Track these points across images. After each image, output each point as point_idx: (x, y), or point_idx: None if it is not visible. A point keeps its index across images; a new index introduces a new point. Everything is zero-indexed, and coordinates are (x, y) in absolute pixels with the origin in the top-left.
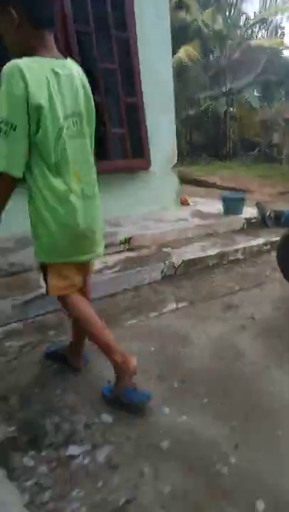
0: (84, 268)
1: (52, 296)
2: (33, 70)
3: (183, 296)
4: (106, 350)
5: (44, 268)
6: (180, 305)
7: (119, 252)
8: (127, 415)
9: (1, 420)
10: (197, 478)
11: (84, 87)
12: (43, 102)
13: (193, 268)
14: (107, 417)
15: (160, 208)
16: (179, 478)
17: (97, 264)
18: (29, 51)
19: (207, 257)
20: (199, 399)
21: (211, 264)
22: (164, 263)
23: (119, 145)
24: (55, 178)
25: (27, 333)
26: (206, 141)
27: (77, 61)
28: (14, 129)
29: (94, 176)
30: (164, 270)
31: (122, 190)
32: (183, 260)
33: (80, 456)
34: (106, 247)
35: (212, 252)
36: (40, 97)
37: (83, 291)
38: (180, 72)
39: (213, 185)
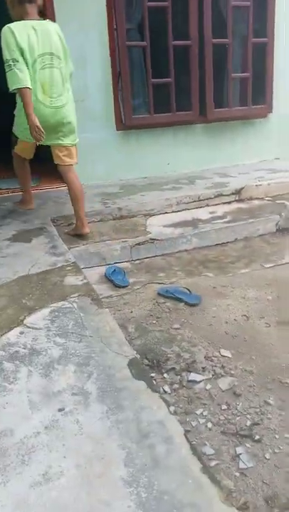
0: (57, 151)
1: (14, 151)
2: (18, 27)
3: None
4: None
5: (15, 139)
6: None
7: (230, 202)
8: (246, 352)
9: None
10: None
11: (59, 37)
12: (24, 45)
13: None
14: (226, 353)
15: (275, 158)
16: None
17: (206, 214)
18: (21, 18)
19: None
20: None
21: None
22: (280, 215)
23: (240, 91)
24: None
25: (136, 273)
26: None
27: None
28: (17, 61)
29: (64, 92)
30: (279, 222)
31: (235, 139)
32: None
33: (202, 383)
34: (215, 197)
35: None
36: (22, 42)
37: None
38: None
39: None
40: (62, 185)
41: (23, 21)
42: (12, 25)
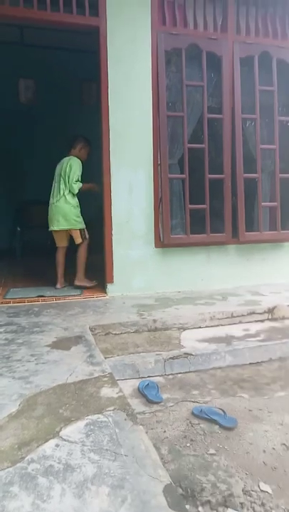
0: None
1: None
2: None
3: None
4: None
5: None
6: None
7: (262, 321)
8: (287, 488)
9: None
10: None
11: (67, 165)
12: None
13: None
14: (266, 487)
15: None
16: None
17: (239, 331)
18: None
19: None
20: None
21: None
22: None
23: (269, 217)
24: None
25: (169, 388)
26: None
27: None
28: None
29: (58, 197)
30: None
31: (265, 259)
32: None
33: None
34: (248, 314)
35: None
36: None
37: None
38: None
39: None
40: (102, 296)
41: None
42: None
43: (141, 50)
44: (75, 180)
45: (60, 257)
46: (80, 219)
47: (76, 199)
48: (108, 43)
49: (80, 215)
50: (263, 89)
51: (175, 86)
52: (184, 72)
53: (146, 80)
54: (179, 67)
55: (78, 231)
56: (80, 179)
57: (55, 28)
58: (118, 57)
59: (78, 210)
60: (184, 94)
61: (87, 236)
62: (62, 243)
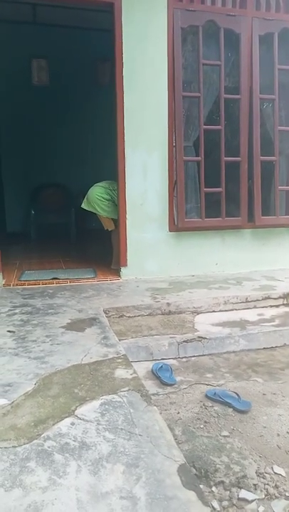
0: None
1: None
2: None
3: None
4: None
5: None
6: None
7: (277, 306)
8: None
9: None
10: None
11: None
12: None
13: None
14: (279, 470)
15: None
16: None
17: (253, 316)
18: None
19: None
20: None
21: None
22: None
23: (285, 201)
24: None
25: (183, 371)
26: None
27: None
28: None
29: None
30: None
31: (281, 244)
32: None
33: (254, 503)
34: (263, 299)
35: None
36: None
37: None
38: None
39: None
40: (115, 279)
41: None
42: None
43: (157, 28)
44: None
45: None
46: None
47: None
48: (123, 20)
49: None
50: (282, 68)
51: (191, 65)
52: (200, 50)
53: (162, 59)
54: (195, 45)
55: None
56: None
57: (69, 6)
58: (133, 35)
59: None
60: (201, 74)
61: None
62: None
